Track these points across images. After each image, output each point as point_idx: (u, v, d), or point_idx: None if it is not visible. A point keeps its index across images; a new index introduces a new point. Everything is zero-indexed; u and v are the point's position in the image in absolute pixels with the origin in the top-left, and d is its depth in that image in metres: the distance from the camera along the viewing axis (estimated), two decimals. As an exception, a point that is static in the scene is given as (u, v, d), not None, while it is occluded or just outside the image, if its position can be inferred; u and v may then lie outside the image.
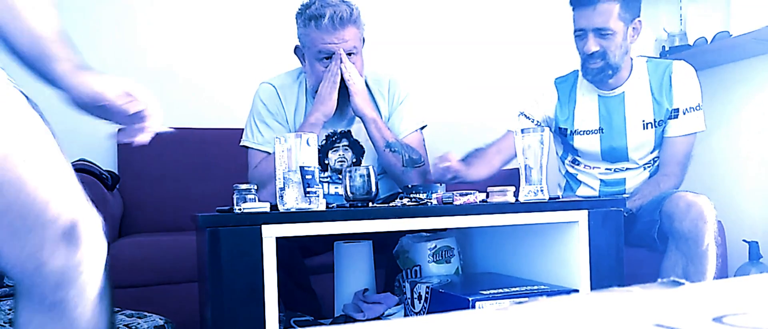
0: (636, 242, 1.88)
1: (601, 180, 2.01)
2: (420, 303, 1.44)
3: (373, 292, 1.59)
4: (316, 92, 1.78)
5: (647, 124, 1.94)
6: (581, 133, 1.99)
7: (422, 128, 1.95)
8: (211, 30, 2.58)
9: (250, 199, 1.29)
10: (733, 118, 2.60)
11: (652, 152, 1.98)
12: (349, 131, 1.88)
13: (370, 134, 1.79)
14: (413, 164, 1.78)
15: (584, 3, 1.86)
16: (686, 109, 1.92)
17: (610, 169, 2.00)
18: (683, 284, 0.55)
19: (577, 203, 1.38)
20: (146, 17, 2.52)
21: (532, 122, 2.05)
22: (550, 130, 2.05)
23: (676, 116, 1.92)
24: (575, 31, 1.90)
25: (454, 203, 1.33)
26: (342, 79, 1.75)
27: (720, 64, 2.64)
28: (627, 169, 1.98)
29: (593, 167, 2.03)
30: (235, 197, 1.32)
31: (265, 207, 1.19)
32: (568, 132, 2.01)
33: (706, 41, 2.58)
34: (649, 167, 2.00)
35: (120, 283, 1.81)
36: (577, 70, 2.05)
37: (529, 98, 2.09)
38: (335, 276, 1.64)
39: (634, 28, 1.90)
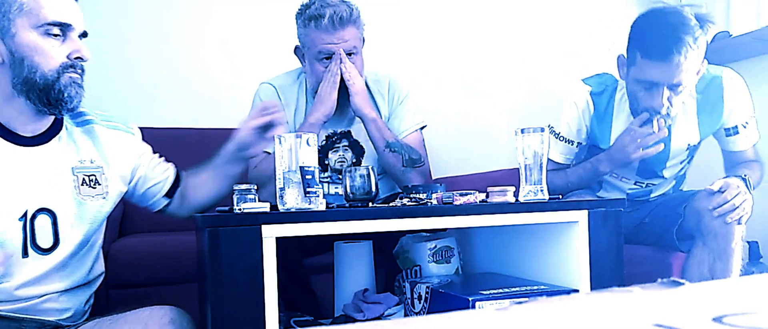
0: (652, 240, 1.83)
1: (628, 193, 1.93)
2: (420, 303, 1.44)
3: (373, 292, 1.59)
4: (316, 92, 1.78)
5: (691, 146, 1.83)
6: None
7: (422, 128, 1.95)
8: (212, 30, 2.59)
9: (250, 199, 1.29)
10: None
11: (681, 163, 1.90)
12: (349, 131, 1.88)
13: (370, 134, 1.79)
14: (413, 164, 1.78)
15: (664, 56, 1.60)
16: (744, 123, 1.81)
17: (641, 183, 1.91)
18: (683, 284, 0.55)
19: (577, 204, 1.38)
20: (147, 17, 2.52)
21: (565, 141, 1.86)
22: (585, 144, 1.88)
23: (737, 132, 1.81)
24: (642, 81, 1.66)
25: (454, 203, 1.33)
26: (342, 79, 1.75)
27: (720, 64, 2.64)
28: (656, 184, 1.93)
29: (622, 179, 1.91)
30: (235, 197, 1.32)
31: (265, 207, 1.19)
32: (602, 150, 1.83)
33: (706, 42, 2.57)
34: (677, 176, 1.94)
35: (120, 283, 1.81)
36: (616, 81, 1.84)
37: (562, 115, 1.86)
38: (335, 276, 1.64)
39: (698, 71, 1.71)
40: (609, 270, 1.36)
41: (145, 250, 1.88)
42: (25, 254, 1.19)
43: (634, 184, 1.92)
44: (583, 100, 1.84)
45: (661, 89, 1.65)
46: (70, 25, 1.21)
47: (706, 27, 1.65)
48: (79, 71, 1.22)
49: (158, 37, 2.53)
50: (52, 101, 1.20)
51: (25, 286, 1.20)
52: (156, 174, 1.44)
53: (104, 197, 1.31)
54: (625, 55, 1.74)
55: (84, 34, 1.26)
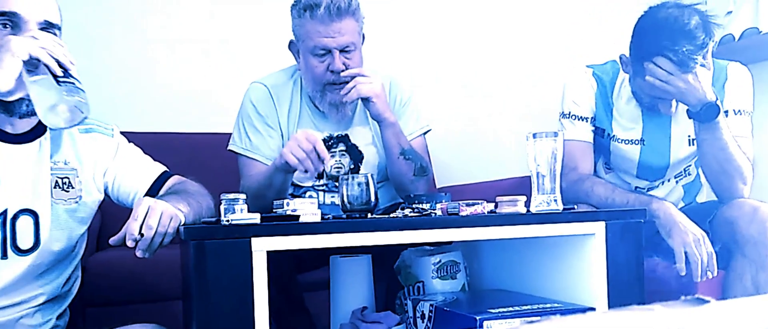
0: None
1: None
2: (423, 322, 1.44)
3: (372, 311, 1.59)
4: (312, 95, 1.79)
5: (693, 140, 1.83)
6: (619, 141, 1.89)
7: (426, 132, 1.94)
8: (204, 31, 2.60)
9: (239, 209, 1.29)
10: (762, 118, 2.60)
11: (686, 167, 1.94)
12: (347, 135, 1.88)
13: (385, 139, 1.77)
14: (423, 173, 1.78)
15: (677, 61, 1.64)
16: (735, 110, 1.82)
17: (642, 184, 1.94)
18: (708, 302, 0.55)
19: (594, 214, 1.38)
20: (139, 20, 2.53)
21: (582, 120, 1.89)
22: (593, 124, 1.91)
23: (726, 114, 1.78)
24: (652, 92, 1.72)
25: (460, 214, 1.32)
26: (337, 74, 1.75)
27: (748, 62, 2.64)
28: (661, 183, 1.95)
29: (625, 181, 1.95)
30: (222, 207, 1.31)
31: (256, 219, 1.19)
32: (606, 134, 1.90)
33: (734, 38, 2.58)
34: (680, 178, 1.96)
35: (97, 300, 1.80)
36: (618, 67, 1.88)
37: (567, 96, 1.92)
38: (331, 293, 1.64)
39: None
40: (628, 287, 1.36)
41: (124, 265, 1.87)
42: (4, 255, 1.22)
43: (636, 187, 1.94)
44: (587, 77, 1.90)
45: (670, 99, 1.75)
46: (17, 13, 1.17)
47: (712, 33, 1.68)
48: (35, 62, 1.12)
49: (149, 40, 2.54)
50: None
51: (1, 295, 1.21)
52: (133, 173, 1.43)
53: (77, 202, 1.32)
54: (628, 56, 1.78)
55: (51, 25, 1.21)
